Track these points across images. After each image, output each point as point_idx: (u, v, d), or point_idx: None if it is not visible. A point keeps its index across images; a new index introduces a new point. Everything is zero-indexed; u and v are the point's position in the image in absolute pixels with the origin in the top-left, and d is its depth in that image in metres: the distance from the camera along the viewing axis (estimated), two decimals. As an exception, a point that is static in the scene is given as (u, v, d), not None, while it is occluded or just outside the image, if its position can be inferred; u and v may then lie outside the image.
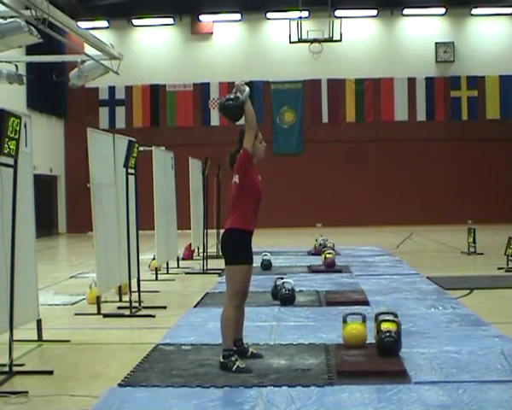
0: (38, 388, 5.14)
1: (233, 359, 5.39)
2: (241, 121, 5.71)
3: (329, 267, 11.98)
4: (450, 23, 26.70)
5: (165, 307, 8.59)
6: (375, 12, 26.57)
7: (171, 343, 6.43)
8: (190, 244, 14.79)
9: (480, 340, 6.31)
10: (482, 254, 14.25)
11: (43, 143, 23.27)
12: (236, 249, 5.49)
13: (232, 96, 5.57)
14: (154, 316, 8.06)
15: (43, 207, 22.84)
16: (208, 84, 26.61)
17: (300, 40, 23.28)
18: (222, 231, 5.74)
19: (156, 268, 11.62)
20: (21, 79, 13.69)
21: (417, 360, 5.61)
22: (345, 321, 6.03)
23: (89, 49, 13.79)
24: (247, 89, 5.59)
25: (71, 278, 12.24)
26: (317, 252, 14.30)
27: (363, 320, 6.06)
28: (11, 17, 9.81)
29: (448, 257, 14.71)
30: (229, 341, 5.49)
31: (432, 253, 15.83)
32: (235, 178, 5.53)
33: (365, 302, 8.45)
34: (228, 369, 5.35)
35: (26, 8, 9.77)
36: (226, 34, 26.85)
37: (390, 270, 12.02)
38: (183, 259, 14.11)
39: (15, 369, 5.56)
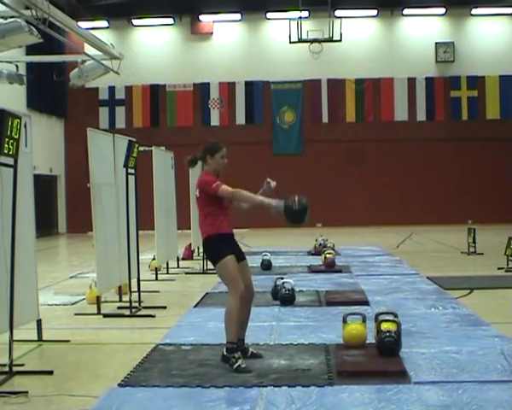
0: (38, 388, 5.14)
1: (236, 356, 5.39)
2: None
3: (329, 267, 11.98)
4: (450, 23, 26.71)
5: (165, 307, 8.59)
6: (375, 12, 26.58)
7: (171, 343, 6.43)
8: (190, 244, 14.78)
9: (479, 340, 6.31)
10: (482, 254, 14.25)
11: (43, 143, 23.26)
12: (215, 251, 5.62)
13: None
14: (154, 316, 8.06)
15: (43, 207, 22.84)
16: (208, 84, 26.61)
17: (300, 40, 23.30)
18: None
19: (156, 268, 11.62)
20: (21, 79, 13.71)
21: (417, 360, 5.61)
22: (345, 321, 6.03)
23: (89, 49, 13.80)
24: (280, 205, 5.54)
25: (71, 278, 12.24)
26: (317, 252, 14.29)
27: (363, 320, 6.06)
28: (11, 17, 9.82)
29: (448, 257, 14.71)
30: (233, 334, 5.47)
31: (432, 253, 15.83)
32: (196, 192, 5.82)
33: (365, 302, 8.44)
34: (229, 364, 5.36)
35: (27, 8, 9.78)
36: (226, 34, 26.85)
37: (390, 270, 12.02)
38: (183, 259, 14.11)
39: (15, 369, 5.56)
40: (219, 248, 5.57)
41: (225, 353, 5.45)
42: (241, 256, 5.71)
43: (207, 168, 5.80)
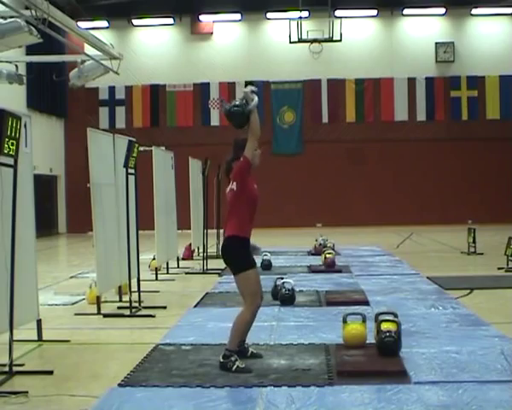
0: (38, 388, 5.14)
1: (233, 359, 5.39)
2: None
3: (329, 267, 11.98)
4: (450, 23, 26.71)
5: (165, 307, 8.59)
6: (375, 12, 26.57)
7: (171, 343, 6.43)
8: (190, 244, 14.79)
9: (480, 340, 6.31)
10: (482, 254, 14.25)
11: (43, 143, 23.26)
12: (242, 256, 5.48)
13: (238, 103, 5.50)
14: (154, 316, 8.06)
15: (43, 207, 22.85)
16: (208, 84, 26.61)
17: (300, 40, 23.29)
18: (222, 230, 5.74)
19: (156, 268, 11.61)
20: (21, 79, 13.71)
21: (417, 360, 5.61)
22: (345, 321, 6.03)
23: (89, 49, 13.81)
24: (256, 98, 5.50)
25: (71, 278, 12.24)
26: (317, 252, 14.30)
27: (363, 320, 6.06)
28: (11, 17, 9.83)
29: (448, 257, 14.71)
30: (235, 344, 5.49)
31: (432, 253, 15.83)
32: (233, 186, 5.53)
33: (365, 302, 8.45)
34: (228, 369, 5.36)
35: (26, 8, 9.79)
36: (226, 34, 26.85)
37: (390, 270, 12.02)
38: (183, 259, 14.11)
39: (15, 369, 5.56)
40: (246, 257, 5.47)
41: (221, 359, 5.44)
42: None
43: None
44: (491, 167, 26.00)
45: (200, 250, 14.60)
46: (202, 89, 26.66)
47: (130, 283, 8.53)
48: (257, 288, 5.51)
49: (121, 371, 5.50)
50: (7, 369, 5.48)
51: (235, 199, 5.52)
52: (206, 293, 9.62)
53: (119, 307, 8.70)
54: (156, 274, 11.54)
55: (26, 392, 4.97)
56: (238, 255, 5.49)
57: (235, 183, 5.53)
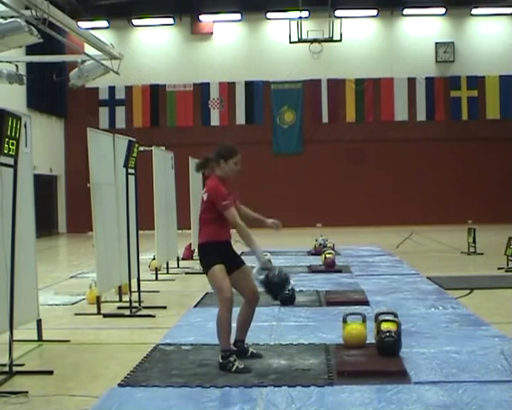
0: (38, 388, 5.14)
1: (231, 359, 5.39)
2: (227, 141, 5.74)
3: (329, 267, 11.98)
4: (450, 23, 26.71)
5: (165, 307, 8.59)
6: (375, 12, 26.58)
7: (171, 343, 6.43)
8: (190, 244, 14.78)
9: (480, 340, 6.31)
10: (482, 254, 14.25)
11: (43, 143, 23.26)
12: (206, 259, 5.58)
13: (277, 275, 5.66)
14: (154, 316, 8.06)
15: (43, 207, 22.84)
16: (208, 84, 26.62)
17: (300, 40, 23.31)
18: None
19: (156, 268, 11.62)
20: (21, 79, 13.69)
21: (417, 360, 5.61)
22: (345, 321, 6.03)
23: (89, 49, 13.79)
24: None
25: (71, 278, 12.25)
26: (317, 252, 14.29)
27: (363, 320, 6.06)
28: (11, 17, 9.81)
29: (448, 257, 14.71)
30: (225, 342, 5.48)
31: (432, 253, 15.83)
32: (205, 196, 5.59)
33: (365, 302, 8.45)
34: (227, 370, 5.36)
35: (26, 8, 9.78)
36: (226, 34, 26.85)
37: (390, 270, 12.02)
38: (183, 259, 14.11)
39: (15, 369, 5.56)
40: (209, 256, 5.54)
41: (221, 360, 5.45)
42: (236, 263, 5.67)
43: (218, 172, 5.62)
44: (491, 167, 26.00)
45: (200, 250, 14.58)
46: (202, 89, 26.67)
47: (130, 283, 8.53)
48: (222, 282, 5.45)
49: (121, 371, 5.50)
50: (7, 369, 5.48)
51: (205, 208, 5.59)
52: (206, 293, 9.60)
53: (119, 307, 8.70)
54: (156, 274, 11.55)
55: (26, 392, 4.97)
56: (204, 258, 5.61)
57: (207, 194, 5.57)
